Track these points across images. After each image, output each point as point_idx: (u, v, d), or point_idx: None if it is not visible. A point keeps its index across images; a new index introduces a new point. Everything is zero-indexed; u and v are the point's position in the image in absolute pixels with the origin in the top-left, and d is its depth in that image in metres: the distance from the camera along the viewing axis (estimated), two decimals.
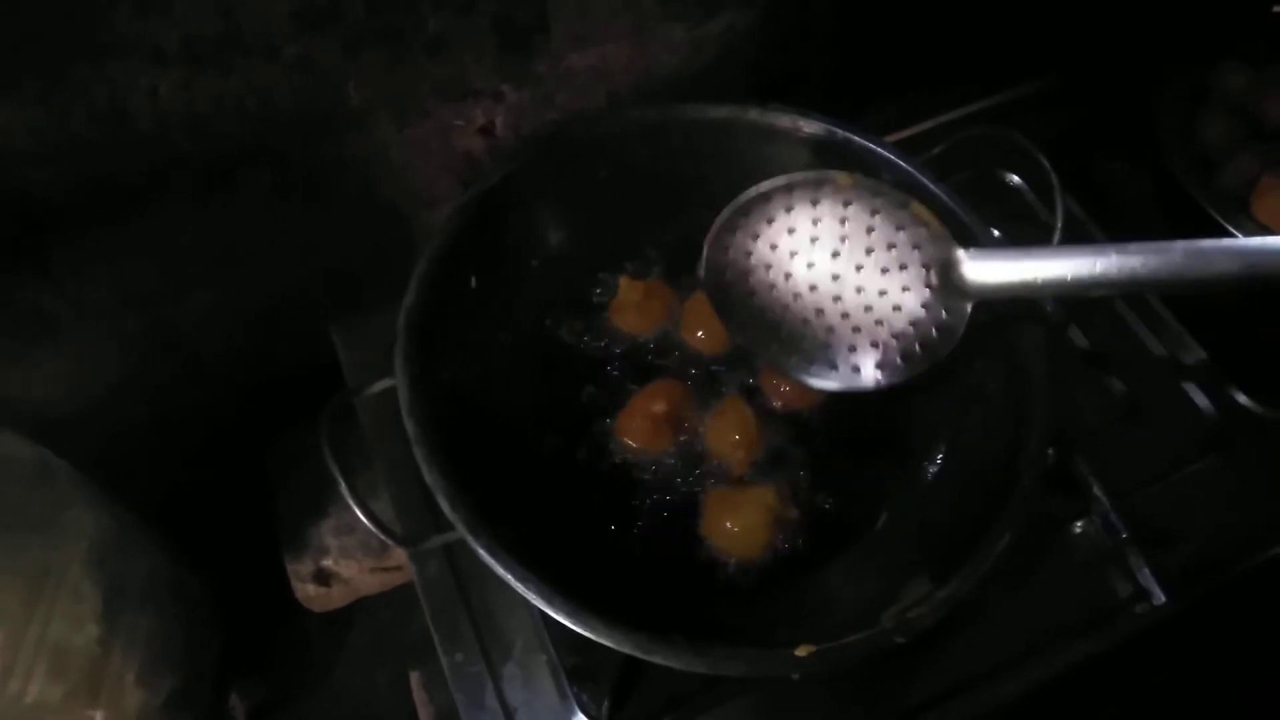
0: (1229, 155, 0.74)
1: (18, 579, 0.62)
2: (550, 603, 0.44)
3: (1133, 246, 0.46)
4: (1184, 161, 0.73)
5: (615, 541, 0.57)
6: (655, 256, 0.67)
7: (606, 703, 0.55)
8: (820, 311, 0.55)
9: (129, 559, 0.72)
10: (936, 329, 0.53)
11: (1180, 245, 0.46)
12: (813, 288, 0.55)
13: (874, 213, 0.54)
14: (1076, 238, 0.75)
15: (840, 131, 0.60)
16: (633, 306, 0.64)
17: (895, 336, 0.54)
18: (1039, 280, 0.48)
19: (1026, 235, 0.62)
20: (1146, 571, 0.60)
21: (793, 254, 0.56)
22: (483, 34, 0.67)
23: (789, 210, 0.56)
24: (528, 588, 0.45)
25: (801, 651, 0.44)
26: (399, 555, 0.85)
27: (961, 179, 0.60)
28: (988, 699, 0.58)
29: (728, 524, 0.56)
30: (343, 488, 0.47)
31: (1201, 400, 0.69)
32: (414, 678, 0.81)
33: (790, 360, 0.55)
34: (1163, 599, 0.60)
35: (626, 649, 0.44)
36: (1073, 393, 0.68)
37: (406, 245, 0.81)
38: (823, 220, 0.55)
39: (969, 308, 0.52)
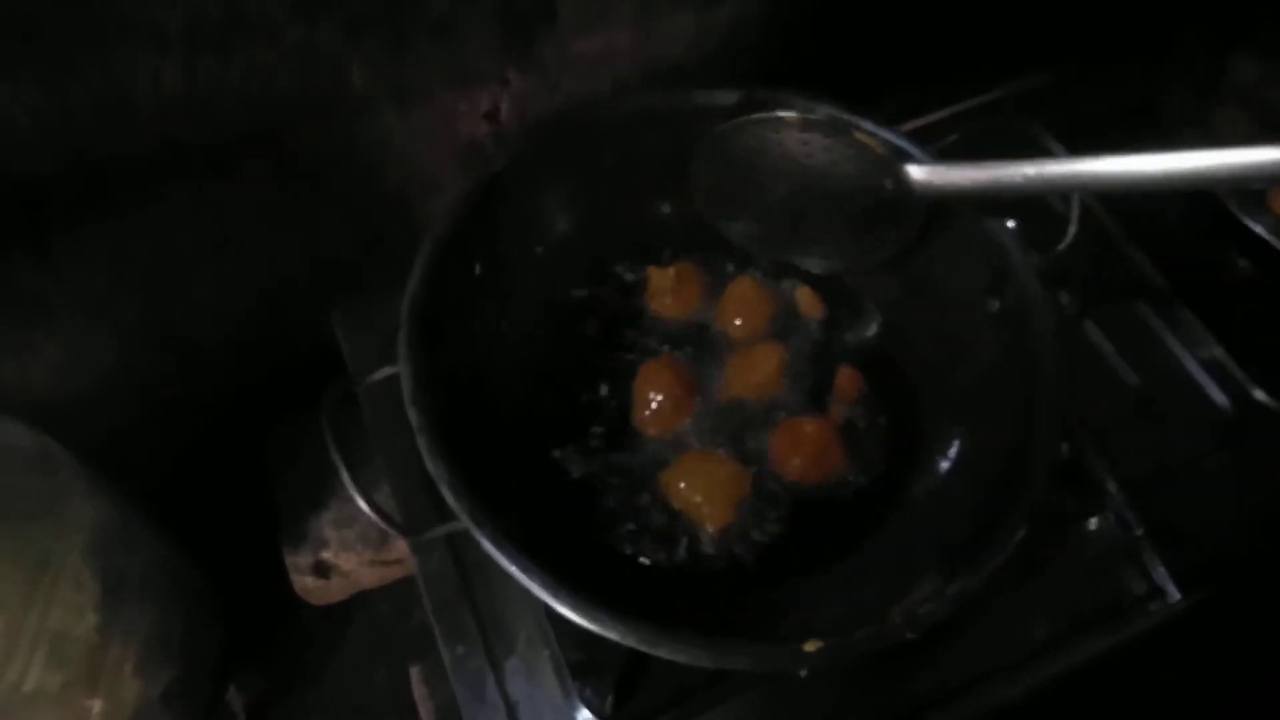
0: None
1: (17, 567, 0.61)
2: (555, 595, 0.44)
3: (1053, 161, 0.52)
4: None
5: (618, 534, 0.56)
6: (662, 244, 0.66)
7: (610, 697, 0.55)
8: (798, 214, 0.62)
9: (129, 549, 0.72)
10: (898, 223, 0.59)
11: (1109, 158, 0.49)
12: (791, 194, 0.61)
13: (827, 137, 0.58)
14: (1091, 230, 0.74)
15: (851, 119, 0.59)
16: (668, 293, 0.64)
17: (865, 230, 0.60)
18: (974, 184, 0.55)
19: (1040, 226, 0.60)
20: (1161, 568, 0.59)
21: (766, 171, 0.61)
22: (488, 18, 0.66)
23: (757, 137, 0.59)
24: (532, 580, 0.44)
25: (809, 646, 0.43)
26: (399, 548, 0.84)
27: None
28: (997, 696, 0.57)
29: (684, 485, 0.56)
30: (344, 475, 0.46)
31: (1217, 395, 0.68)
32: (414, 672, 0.80)
33: (773, 249, 0.65)
34: (1177, 596, 0.59)
35: (631, 642, 0.43)
36: (1086, 387, 0.67)
37: (409, 232, 0.80)
38: (785, 144, 0.59)
39: (923, 205, 0.57)
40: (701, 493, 0.56)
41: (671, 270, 0.64)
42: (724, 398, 0.61)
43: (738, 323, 0.63)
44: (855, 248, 0.62)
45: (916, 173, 0.56)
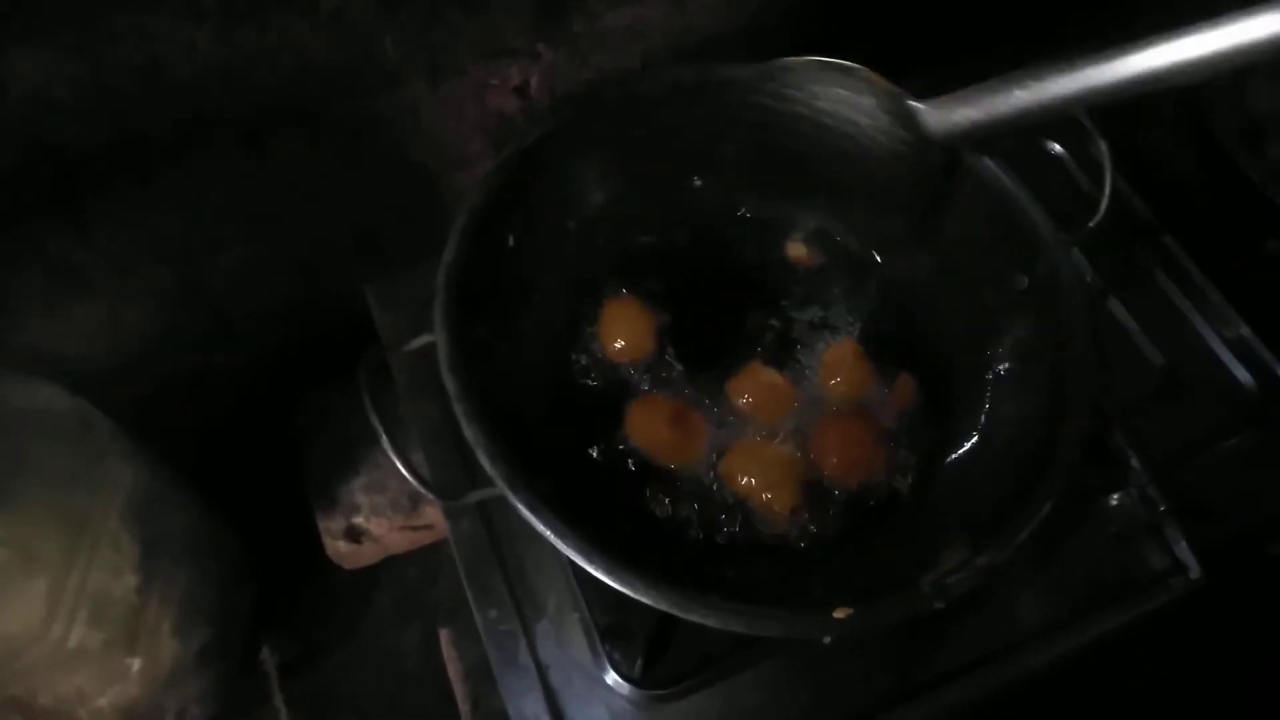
0: (1279, 125, 0.73)
1: (59, 527, 0.63)
2: (589, 559, 0.44)
3: (1048, 68, 0.46)
4: (1233, 131, 0.72)
5: (649, 502, 0.57)
6: (693, 217, 0.66)
7: (639, 661, 0.55)
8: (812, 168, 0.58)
9: (165, 512, 0.73)
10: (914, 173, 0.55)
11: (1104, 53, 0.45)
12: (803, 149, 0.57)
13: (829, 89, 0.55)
14: (1122, 211, 0.74)
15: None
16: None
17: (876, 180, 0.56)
18: (993, 115, 0.49)
19: (1071, 209, 0.60)
20: (1183, 544, 0.59)
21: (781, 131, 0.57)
22: None
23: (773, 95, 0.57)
24: (567, 544, 0.44)
25: (840, 613, 0.44)
26: (429, 514, 0.86)
27: (1004, 145, 0.58)
28: (1019, 668, 0.58)
29: (750, 479, 0.56)
30: (384, 439, 0.47)
31: (1241, 374, 0.68)
32: (443, 635, 0.82)
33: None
34: (1199, 572, 0.59)
35: (664, 606, 0.44)
36: (1112, 364, 0.67)
37: (438, 206, 0.81)
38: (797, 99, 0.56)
39: (937, 150, 0.53)
40: (759, 479, 0.56)
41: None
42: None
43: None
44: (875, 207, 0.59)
45: (930, 115, 0.52)
